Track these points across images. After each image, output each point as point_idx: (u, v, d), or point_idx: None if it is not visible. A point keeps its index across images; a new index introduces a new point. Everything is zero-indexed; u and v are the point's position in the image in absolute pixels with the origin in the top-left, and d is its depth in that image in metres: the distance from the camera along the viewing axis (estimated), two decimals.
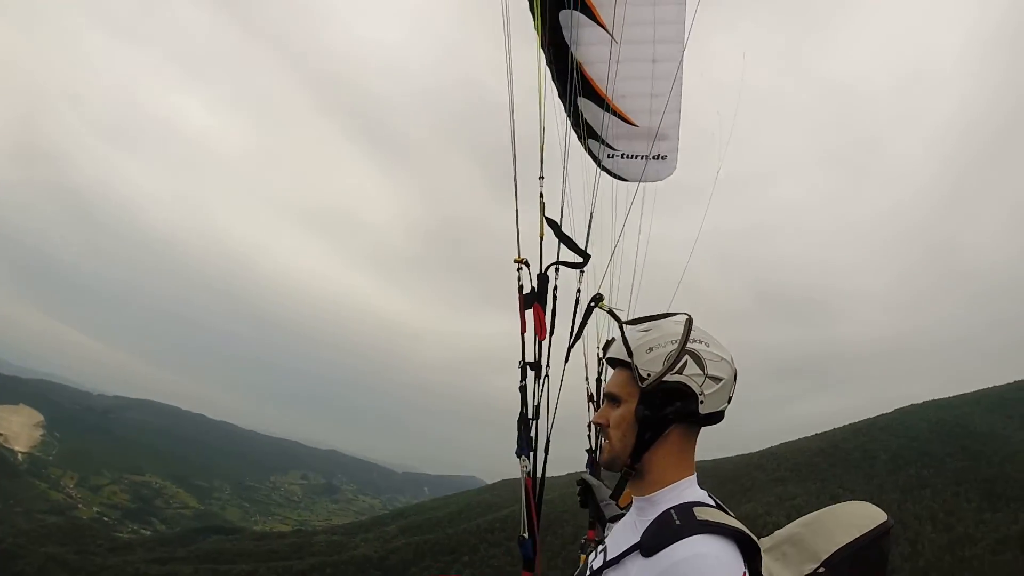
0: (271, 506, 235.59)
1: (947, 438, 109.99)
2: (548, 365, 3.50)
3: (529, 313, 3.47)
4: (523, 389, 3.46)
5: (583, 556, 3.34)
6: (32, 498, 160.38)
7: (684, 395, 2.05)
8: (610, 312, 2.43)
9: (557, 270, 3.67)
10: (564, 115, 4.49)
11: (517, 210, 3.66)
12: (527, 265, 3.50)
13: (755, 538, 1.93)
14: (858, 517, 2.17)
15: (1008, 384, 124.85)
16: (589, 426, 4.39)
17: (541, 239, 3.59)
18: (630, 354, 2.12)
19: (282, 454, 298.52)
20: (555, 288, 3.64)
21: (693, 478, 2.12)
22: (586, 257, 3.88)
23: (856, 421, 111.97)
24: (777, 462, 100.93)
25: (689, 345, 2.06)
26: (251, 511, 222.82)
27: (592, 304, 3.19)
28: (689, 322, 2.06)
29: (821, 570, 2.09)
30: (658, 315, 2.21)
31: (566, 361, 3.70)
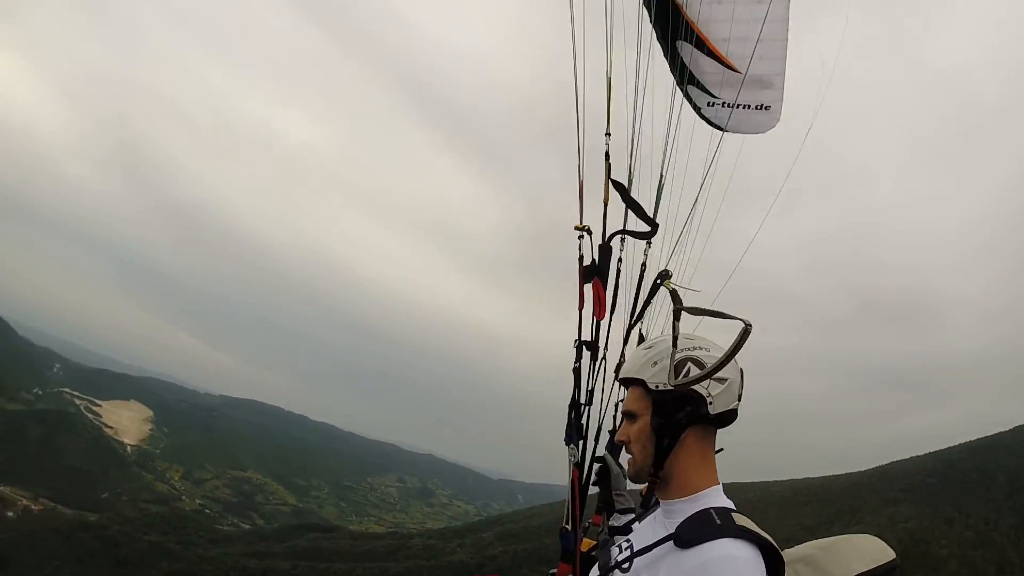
0: (367, 507, 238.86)
1: None
2: (606, 347, 3.17)
3: (588, 288, 3.09)
4: (577, 371, 3.13)
5: (586, 540, 3.24)
6: (138, 488, 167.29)
7: (693, 399, 2.15)
8: (673, 293, 2.32)
9: (623, 240, 3.38)
10: (635, 68, 3.90)
11: (581, 168, 3.17)
12: (589, 233, 3.12)
13: (781, 553, 1.98)
14: (872, 550, 2.29)
15: None
16: (616, 407, 3.66)
17: (605, 205, 3.19)
18: (638, 371, 2.26)
19: (380, 456, 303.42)
20: (619, 261, 3.33)
21: (720, 487, 2.18)
22: (655, 226, 3.43)
23: (972, 439, 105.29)
24: (888, 482, 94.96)
25: (692, 352, 2.17)
26: (347, 511, 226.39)
27: (658, 281, 2.84)
28: (675, 331, 2.14)
29: None
30: (717, 311, 2.11)
31: (624, 343, 3.35)
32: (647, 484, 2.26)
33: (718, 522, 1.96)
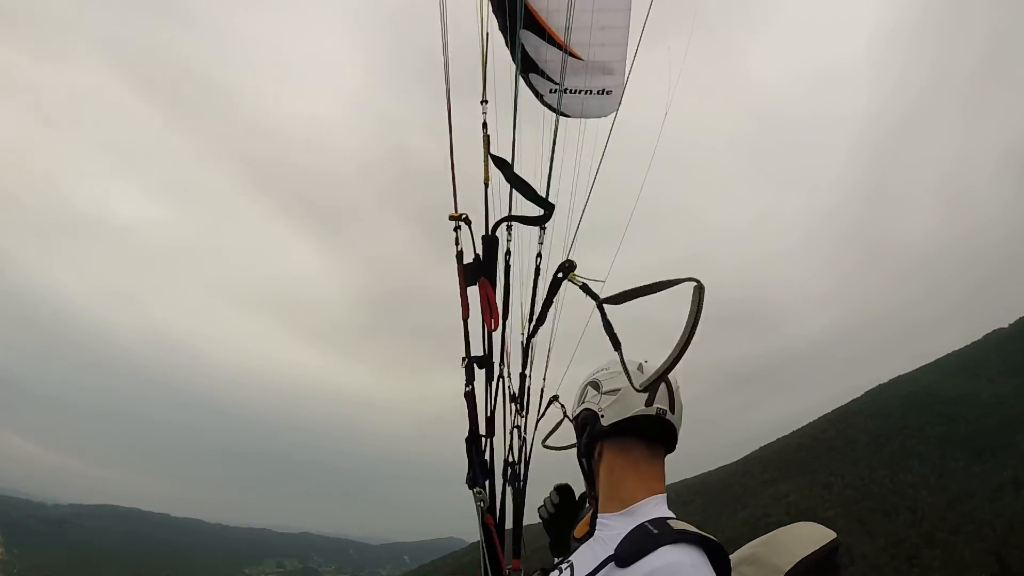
0: None
1: (921, 408, 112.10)
2: (505, 362, 2.70)
3: (473, 290, 2.56)
4: (470, 395, 2.60)
5: None
6: None
7: (591, 419, 2.21)
8: (584, 288, 2.08)
9: (509, 228, 2.76)
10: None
11: (452, 146, 2.66)
12: (468, 223, 2.57)
13: (725, 551, 1.97)
14: (812, 535, 2.27)
15: (965, 347, 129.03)
16: (511, 432, 3.54)
17: (486, 186, 2.64)
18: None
19: (253, 543, 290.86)
20: (507, 254, 2.72)
21: (662, 497, 2.13)
22: (549, 208, 2.84)
23: (829, 411, 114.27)
24: (763, 465, 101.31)
25: (594, 376, 2.25)
26: None
27: (560, 275, 2.31)
28: (609, 328, 2.06)
29: None
30: (652, 285, 1.94)
31: (524, 355, 2.86)
32: (590, 512, 2.26)
33: (655, 532, 1.91)
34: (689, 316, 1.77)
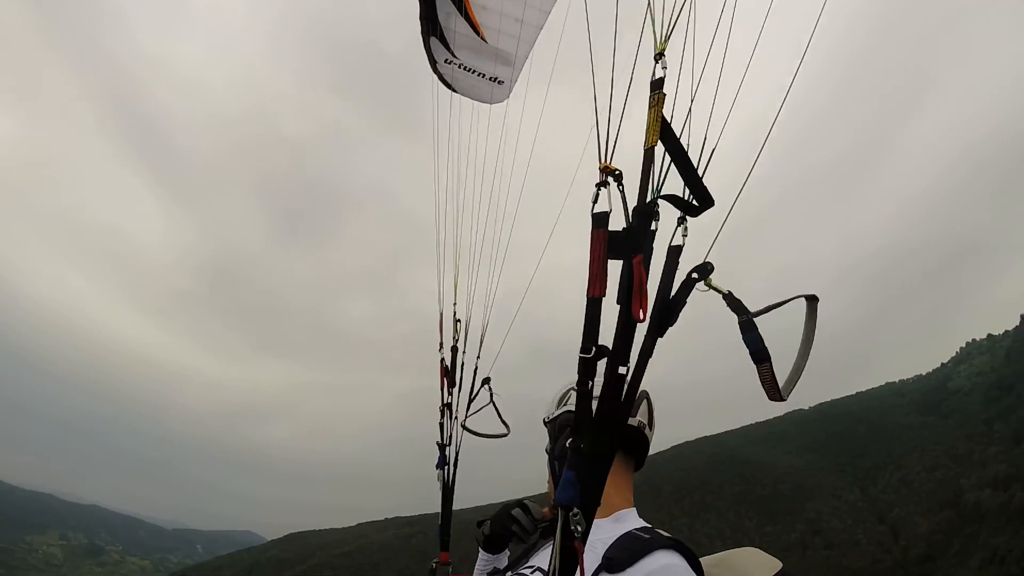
0: (29, 572, 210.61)
1: (722, 467, 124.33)
2: (625, 359, 1.72)
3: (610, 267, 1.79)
4: (585, 395, 1.75)
5: None
6: None
7: (569, 423, 2.19)
8: (729, 297, 1.73)
9: (656, 207, 1.83)
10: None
11: (595, 91, 1.96)
12: (618, 181, 1.85)
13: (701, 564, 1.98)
14: (765, 562, 2.32)
15: (768, 420, 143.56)
16: (441, 410, 3.51)
17: (649, 154, 1.79)
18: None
19: (38, 510, 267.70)
20: (652, 235, 1.84)
21: (634, 510, 2.15)
22: (709, 202, 1.92)
23: None
24: None
25: (574, 384, 1.92)
26: None
27: (695, 277, 1.77)
28: (757, 344, 1.69)
29: None
30: (778, 302, 1.73)
31: (645, 356, 1.77)
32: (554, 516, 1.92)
33: (646, 537, 1.93)
34: (805, 327, 1.70)
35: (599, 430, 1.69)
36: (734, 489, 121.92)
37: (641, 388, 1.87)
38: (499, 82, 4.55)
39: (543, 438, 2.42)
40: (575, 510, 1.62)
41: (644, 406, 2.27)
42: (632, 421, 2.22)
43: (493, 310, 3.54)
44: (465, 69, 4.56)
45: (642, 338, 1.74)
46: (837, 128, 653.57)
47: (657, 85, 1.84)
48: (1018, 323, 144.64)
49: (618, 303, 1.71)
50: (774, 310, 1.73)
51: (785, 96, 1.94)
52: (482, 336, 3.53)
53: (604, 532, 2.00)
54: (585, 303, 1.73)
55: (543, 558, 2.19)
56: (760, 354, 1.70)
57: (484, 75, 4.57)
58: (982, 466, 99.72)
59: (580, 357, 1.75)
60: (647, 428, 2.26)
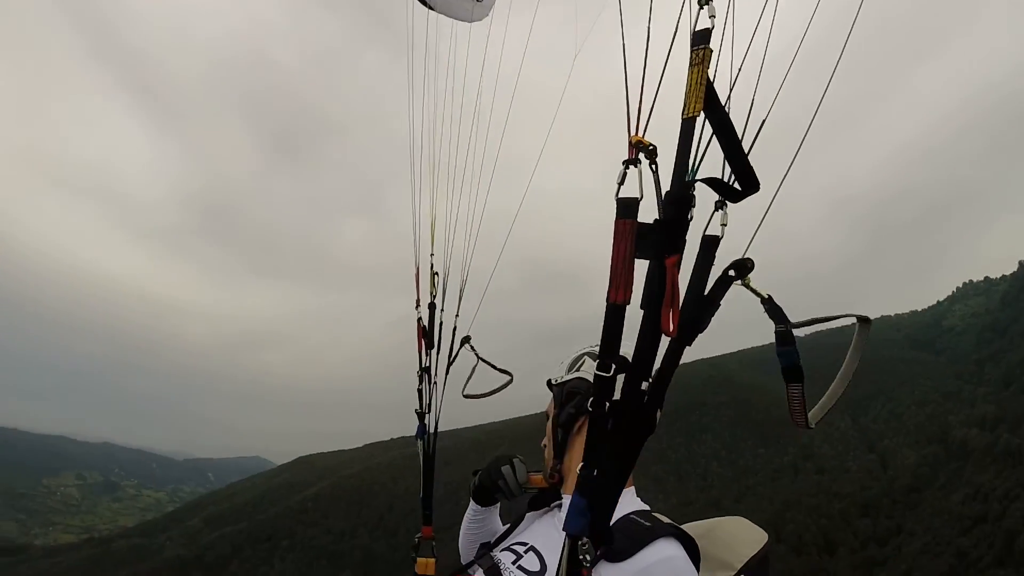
0: (49, 514, 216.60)
1: (719, 390, 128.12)
2: (646, 374, 1.44)
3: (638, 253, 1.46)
4: (602, 417, 1.48)
5: (421, 560, 2.87)
6: None
7: (582, 389, 2.14)
8: (768, 301, 1.57)
9: (692, 190, 1.46)
10: None
11: (648, 47, 1.48)
12: (652, 158, 1.45)
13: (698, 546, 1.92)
14: (753, 535, 2.28)
15: (763, 346, 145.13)
16: (419, 376, 3.18)
17: (689, 126, 1.41)
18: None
19: (52, 453, 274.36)
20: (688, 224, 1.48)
21: (633, 490, 2.08)
22: (754, 186, 1.50)
23: None
24: None
25: (592, 348, 2.22)
26: (29, 523, 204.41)
27: (731, 274, 1.54)
28: (794, 360, 1.58)
29: None
30: (824, 317, 1.61)
31: (672, 364, 1.50)
32: (550, 485, 2.19)
33: (647, 524, 1.86)
34: (851, 348, 1.59)
35: (615, 453, 1.48)
36: (728, 412, 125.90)
37: (587, 350, 2.12)
38: (479, 0, 4.22)
39: (545, 359, 2.35)
40: (584, 540, 1.47)
41: (588, 362, 2.24)
42: (579, 375, 2.21)
43: (478, 235, 3.16)
44: None
45: (665, 344, 1.44)
46: (836, 65, 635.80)
47: (701, 38, 1.46)
48: (1016, 269, 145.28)
49: (642, 308, 1.42)
50: (818, 324, 1.65)
51: (799, 45, 1.68)
52: (467, 261, 3.19)
53: None
54: (604, 309, 1.43)
55: (535, 534, 2.14)
56: (794, 373, 1.57)
57: None
58: (971, 405, 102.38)
59: (596, 375, 1.48)
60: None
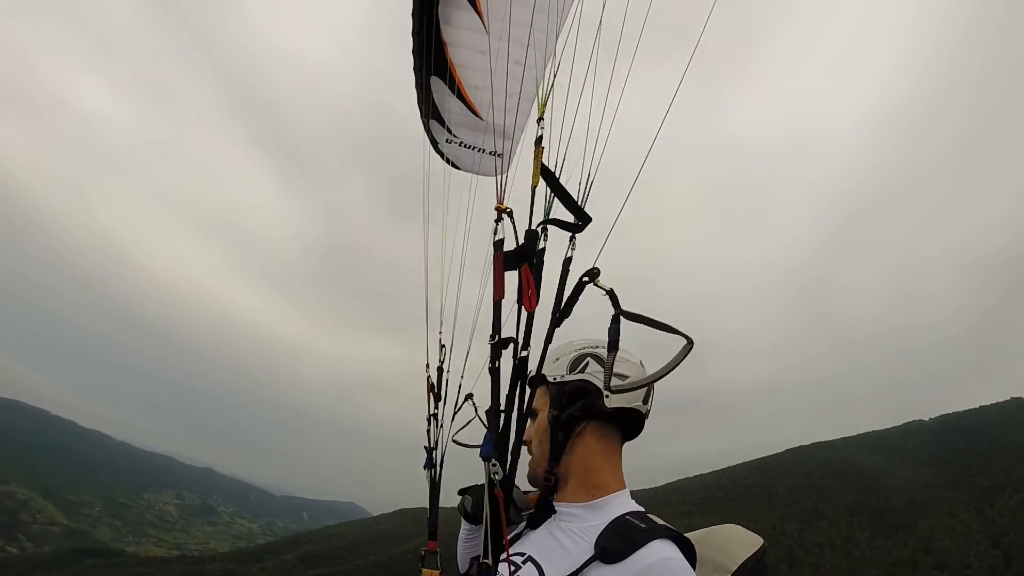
0: (145, 526, 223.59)
1: (837, 475, 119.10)
2: (526, 345, 2.36)
3: (511, 276, 2.52)
4: (495, 371, 2.41)
5: (426, 571, 3.17)
6: None
7: (588, 392, 2.11)
8: (610, 293, 2.11)
9: (545, 230, 2.63)
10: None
11: (513, 144, 3.26)
12: (510, 215, 2.67)
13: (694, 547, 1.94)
14: (747, 538, 2.29)
15: (887, 429, 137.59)
16: (428, 420, 3.77)
17: (533, 191, 2.63)
18: (541, 365, 2.25)
19: (156, 470, 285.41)
20: (542, 251, 2.60)
21: (627, 491, 2.10)
22: (586, 219, 2.71)
23: (751, 459, 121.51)
24: (681, 496, 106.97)
25: (592, 349, 2.18)
26: (123, 531, 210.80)
27: (585, 279, 2.27)
28: (614, 336, 2.04)
29: None
30: (658, 322, 2.02)
31: (547, 342, 2.37)
32: (543, 488, 2.14)
33: (642, 526, 1.86)
34: (669, 362, 1.90)
35: (510, 396, 2.30)
36: (847, 499, 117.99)
37: (631, 360, 2.17)
38: (499, 155, 4.64)
39: None
40: (494, 461, 2.15)
41: (592, 364, 2.17)
42: (644, 407, 2.18)
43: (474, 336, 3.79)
44: (465, 146, 4.77)
45: (546, 329, 2.36)
46: (953, 116, 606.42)
47: (538, 141, 2.72)
48: None
49: (517, 302, 2.37)
50: (647, 325, 2.05)
51: (651, 144, 2.62)
52: (465, 358, 3.79)
53: (595, 518, 1.99)
54: (492, 305, 2.42)
55: (532, 544, 2.09)
56: (612, 345, 2.02)
57: (484, 150, 4.76)
58: None
59: (490, 344, 2.38)
60: (606, 380, 2.03)
